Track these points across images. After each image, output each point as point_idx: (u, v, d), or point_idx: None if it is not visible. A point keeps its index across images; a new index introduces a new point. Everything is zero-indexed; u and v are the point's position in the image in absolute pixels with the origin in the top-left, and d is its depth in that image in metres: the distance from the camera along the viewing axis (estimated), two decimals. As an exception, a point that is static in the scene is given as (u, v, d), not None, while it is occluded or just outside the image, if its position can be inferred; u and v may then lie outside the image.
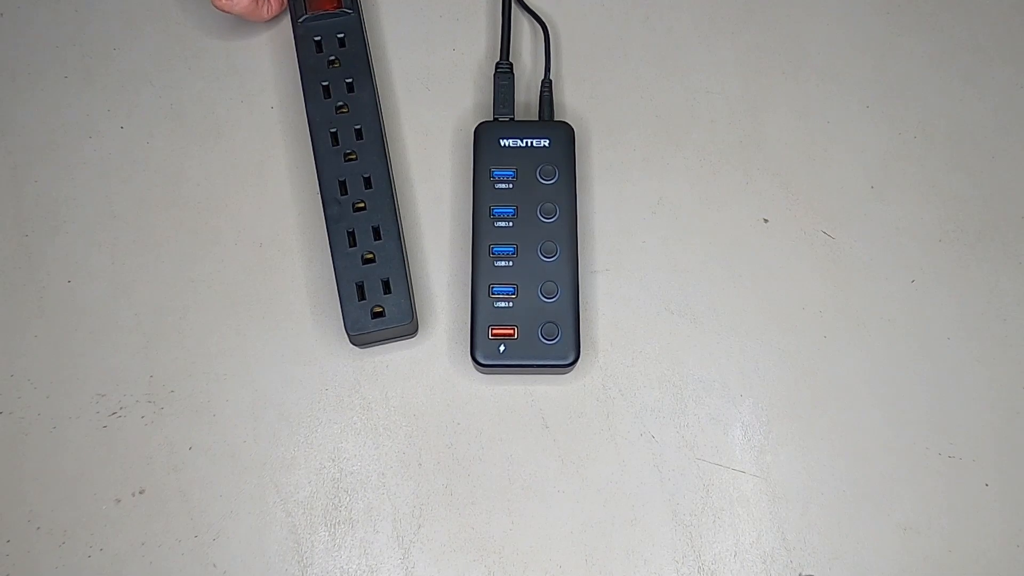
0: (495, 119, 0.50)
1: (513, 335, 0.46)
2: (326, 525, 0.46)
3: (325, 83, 0.50)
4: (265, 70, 0.53)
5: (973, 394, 0.49)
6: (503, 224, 0.48)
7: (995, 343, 0.49)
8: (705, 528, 0.46)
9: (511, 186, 0.48)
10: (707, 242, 0.51)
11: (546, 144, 0.49)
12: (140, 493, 0.47)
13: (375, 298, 0.47)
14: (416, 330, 0.48)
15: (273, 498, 0.47)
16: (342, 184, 0.48)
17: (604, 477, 0.47)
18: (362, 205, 0.48)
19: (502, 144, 0.49)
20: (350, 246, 0.47)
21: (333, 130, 0.49)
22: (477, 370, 0.48)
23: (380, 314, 0.47)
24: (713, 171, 0.52)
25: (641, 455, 0.47)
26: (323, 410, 0.48)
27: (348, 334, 0.46)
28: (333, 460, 0.47)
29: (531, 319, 0.46)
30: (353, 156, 0.49)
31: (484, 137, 0.49)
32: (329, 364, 0.48)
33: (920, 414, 0.48)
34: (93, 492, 0.47)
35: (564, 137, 0.49)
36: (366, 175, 0.49)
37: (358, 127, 0.49)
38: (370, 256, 0.47)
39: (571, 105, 0.53)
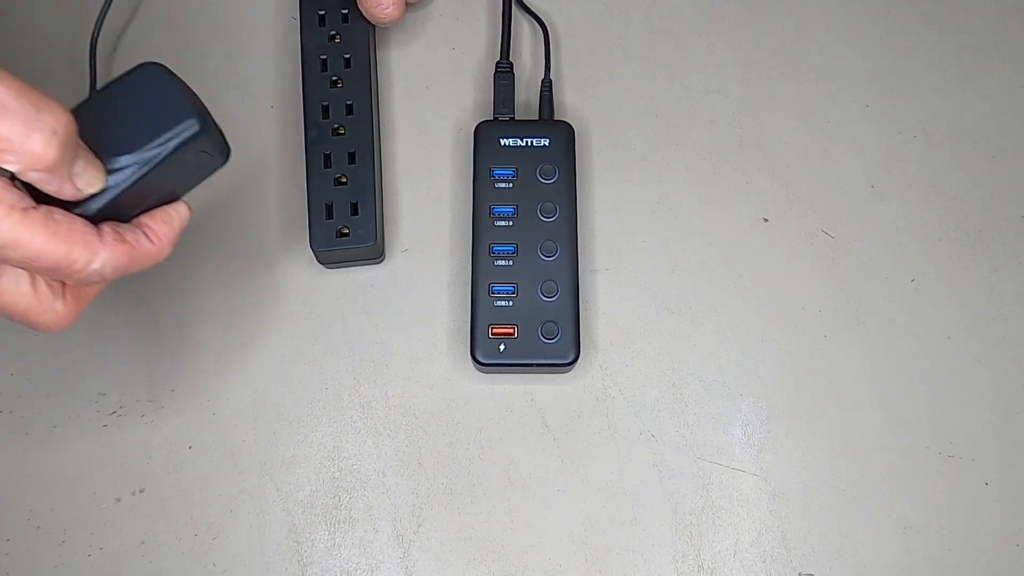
0: (495, 118, 0.50)
1: (513, 334, 0.46)
2: (326, 524, 0.46)
3: (322, 12, 0.51)
4: (265, 69, 0.53)
5: (973, 394, 0.49)
6: (503, 223, 0.48)
7: (995, 343, 0.49)
8: (705, 527, 0.46)
9: (511, 185, 0.48)
10: (707, 242, 0.51)
11: (546, 143, 0.49)
12: (140, 492, 0.47)
13: (342, 219, 0.48)
14: (381, 254, 0.49)
15: (273, 497, 0.47)
16: (325, 108, 0.50)
17: (604, 476, 0.47)
18: (342, 131, 0.49)
19: (502, 143, 0.49)
20: (324, 167, 0.49)
21: (323, 57, 0.51)
22: (477, 369, 0.48)
23: (346, 235, 0.48)
24: (713, 171, 0.52)
25: (641, 455, 0.47)
26: (323, 409, 0.48)
27: (313, 251, 0.47)
28: (333, 459, 0.47)
29: (531, 318, 0.46)
30: (339, 83, 0.50)
31: (484, 136, 0.49)
32: (329, 363, 0.49)
33: (920, 414, 0.48)
34: (93, 491, 0.47)
35: (564, 137, 0.49)
36: (349, 102, 0.50)
37: (347, 56, 0.51)
38: (343, 180, 0.49)
39: (571, 105, 0.53)
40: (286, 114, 0.52)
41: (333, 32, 0.51)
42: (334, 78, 0.51)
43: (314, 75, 0.51)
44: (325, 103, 0.50)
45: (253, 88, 0.53)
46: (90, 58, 0.52)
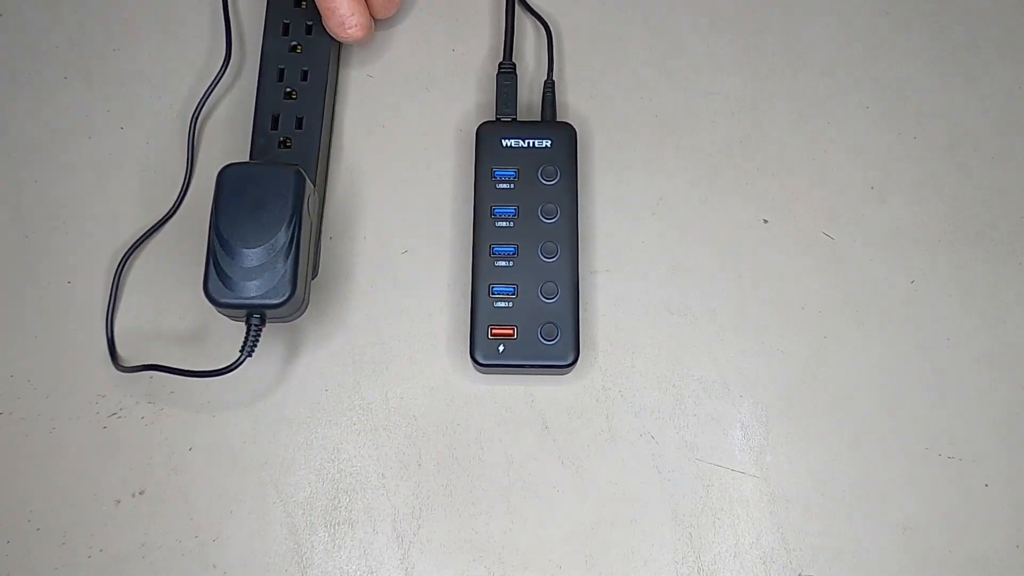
0: (497, 119, 0.50)
1: (512, 335, 0.46)
2: (326, 526, 0.46)
3: (287, 21, 0.51)
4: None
5: (973, 394, 0.49)
6: (504, 224, 0.48)
7: (995, 343, 0.49)
8: (705, 528, 0.46)
9: (512, 186, 0.48)
10: (707, 242, 0.51)
11: (548, 145, 0.49)
12: (140, 494, 0.47)
13: None
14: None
15: (273, 499, 0.47)
16: (275, 119, 0.50)
17: (604, 477, 0.47)
18: (288, 144, 0.49)
19: (504, 144, 0.49)
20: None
21: (281, 67, 0.51)
22: (477, 370, 0.48)
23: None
24: (713, 171, 0.52)
25: (641, 455, 0.47)
26: (323, 411, 0.48)
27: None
28: (333, 461, 0.47)
29: (531, 319, 0.46)
30: (293, 95, 0.50)
31: (486, 137, 0.49)
32: (329, 365, 0.48)
33: (920, 414, 0.48)
34: (93, 493, 0.47)
35: (566, 138, 0.49)
36: (300, 116, 0.50)
37: (305, 69, 0.51)
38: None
39: (573, 105, 0.53)
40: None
41: (295, 43, 0.51)
42: (288, 89, 0.50)
43: (269, 84, 0.50)
44: (276, 113, 0.50)
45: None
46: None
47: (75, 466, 0.47)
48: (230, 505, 0.46)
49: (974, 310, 0.50)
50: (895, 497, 0.47)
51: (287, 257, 0.43)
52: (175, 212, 0.51)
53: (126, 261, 0.49)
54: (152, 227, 0.50)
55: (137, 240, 0.50)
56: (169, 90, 0.53)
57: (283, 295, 0.43)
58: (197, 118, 0.52)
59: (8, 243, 0.50)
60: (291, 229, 0.43)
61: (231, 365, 0.45)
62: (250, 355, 0.45)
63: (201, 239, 0.49)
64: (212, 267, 0.43)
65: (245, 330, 0.45)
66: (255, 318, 0.44)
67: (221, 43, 0.53)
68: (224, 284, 0.43)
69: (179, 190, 0.51)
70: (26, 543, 0.46)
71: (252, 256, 0.43)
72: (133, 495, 0.47)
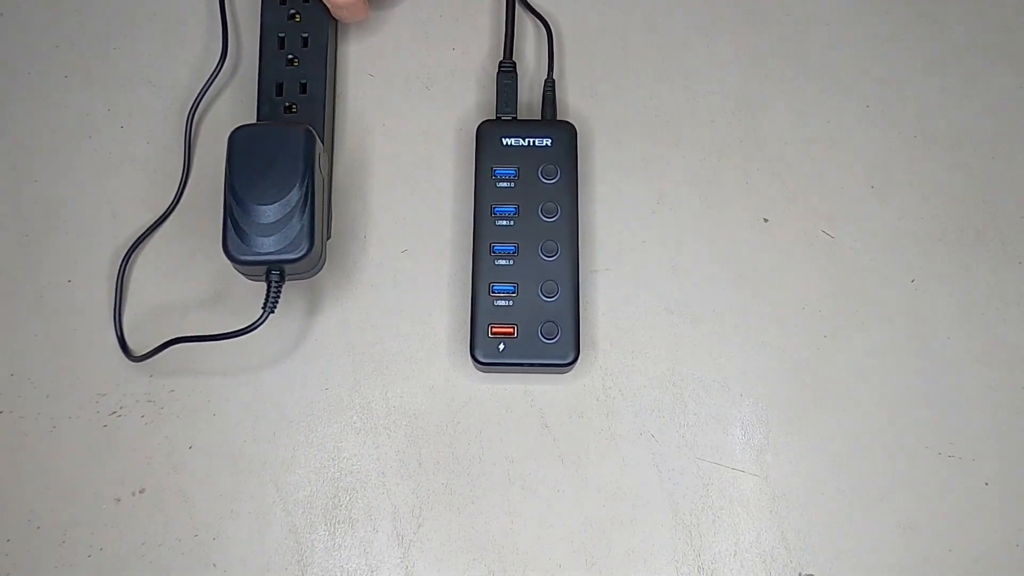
0: (498, 118, 0.50)
1: (513, 334, 0.46)
2: (326, 524, 0.46)
3: None
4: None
5: (973, 394, 0.49)
6: (504, 223, 0.48)
7: (995, 343, 0.49)
8: (705, 528, 0.46)
9: (513, 185, 0.48)
10: (707, 242, 0.51)
11: (548, 143, 0.49)
12: (140, 492, 0.47)
13: None
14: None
15: (273, 497, 0.47)
16: (279, 86, 0.50)
17: (604, 477, 0.47)
18: (294, 109, 0.50)
19: (504, 143, 0.49)
20: None
21: (281, 35, 0.51)
22: (477, 369, 0.48)
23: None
24: (713, 171, 0.52)
25: (641, 455, 0.47)
26: (323, 409, 0.48)
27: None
28: (333, 459, 0.47)
29: (531, 318, 0.46)
30: (295, 62, 0.51)
31: (486, 136, 0.49)
32: (329, 363, 0.49)
33: (920, 414, 0.48)
34: (93, 491, 0.47)
35: (566, 137, 0.49)
36: (303, 81, 0.50)
37: (305, 35, 0.51)
38: None
39: (573, 105, 0.53)
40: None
41: (293, 11, 0.52)
42: (290, 56, 0.51)
43: (271, 52, 0.51)
44: (280, 81, 0.50)
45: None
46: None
47: (75, 465, 0.47)
48: (230, 504, 0.46)
49: (974, 310, 0.50)
50: (895, 496, 0.47)
51: (303, 213, 0.44)
52: (174, 207, 0.51)
53: (129, 258, 0.49)
54: (153, 224, 0.50)
55: (139, 237, 0.50)
56: (168, 89, 0.53)
57: (301, 250, 0.44)
58: (194, 115, 0.52)
59: (8, 243, 0.50)
60: (304, 186, 0.44)
61: (254, 323, 0.45)
62: (272, 311, 0.45)
63: (201, 234, 0.49)
64: (230, 226, 0.44)
65: (266, 287, 0.45)
66: (275, 274, 0.45)
67: (222, 40, 0.53)
68: (243, 241, 0.44)
69: (177, 186, 0.51)
70: (26, 542, 0.46)
71: (268, 213, 0.44)
72: (133, 494, 0.47)
